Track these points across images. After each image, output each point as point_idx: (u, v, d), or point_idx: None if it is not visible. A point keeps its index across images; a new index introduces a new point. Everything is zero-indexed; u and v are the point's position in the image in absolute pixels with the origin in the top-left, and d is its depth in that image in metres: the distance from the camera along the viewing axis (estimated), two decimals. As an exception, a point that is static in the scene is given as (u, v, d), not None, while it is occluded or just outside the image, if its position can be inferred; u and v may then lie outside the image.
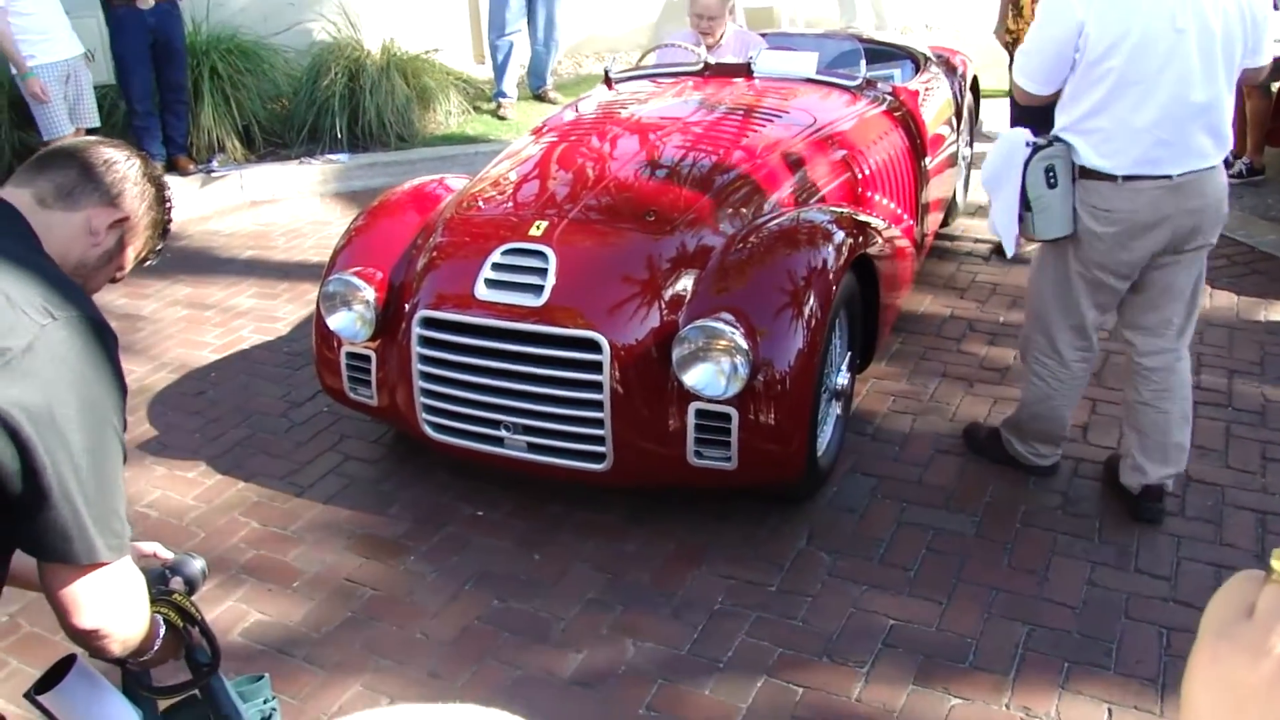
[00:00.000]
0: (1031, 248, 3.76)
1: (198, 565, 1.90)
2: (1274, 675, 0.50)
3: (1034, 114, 3.63)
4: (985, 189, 3.43)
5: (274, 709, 1.95)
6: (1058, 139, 3.20)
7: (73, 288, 1.56)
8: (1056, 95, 3.23)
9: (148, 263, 1.86)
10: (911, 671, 2.85)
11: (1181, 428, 3.41)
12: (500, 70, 8.17)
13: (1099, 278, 3.26)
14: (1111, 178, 3.12)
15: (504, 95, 8.19)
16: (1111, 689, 2.78)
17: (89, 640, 1.53)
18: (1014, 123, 5.35)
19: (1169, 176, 3.09)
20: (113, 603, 1.53)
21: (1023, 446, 3.66)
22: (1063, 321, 3.39)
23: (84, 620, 1.51)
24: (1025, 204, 3.24)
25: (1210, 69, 3.03)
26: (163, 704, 1.84)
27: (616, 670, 2.88)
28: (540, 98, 8.42)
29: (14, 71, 5.96)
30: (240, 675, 1.99)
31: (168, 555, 1.93)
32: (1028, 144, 3.21)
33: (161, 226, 1.82)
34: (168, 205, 1.82)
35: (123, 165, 1.73)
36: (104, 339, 1.53)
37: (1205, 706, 0.53)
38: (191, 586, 1.86)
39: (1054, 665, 2.86)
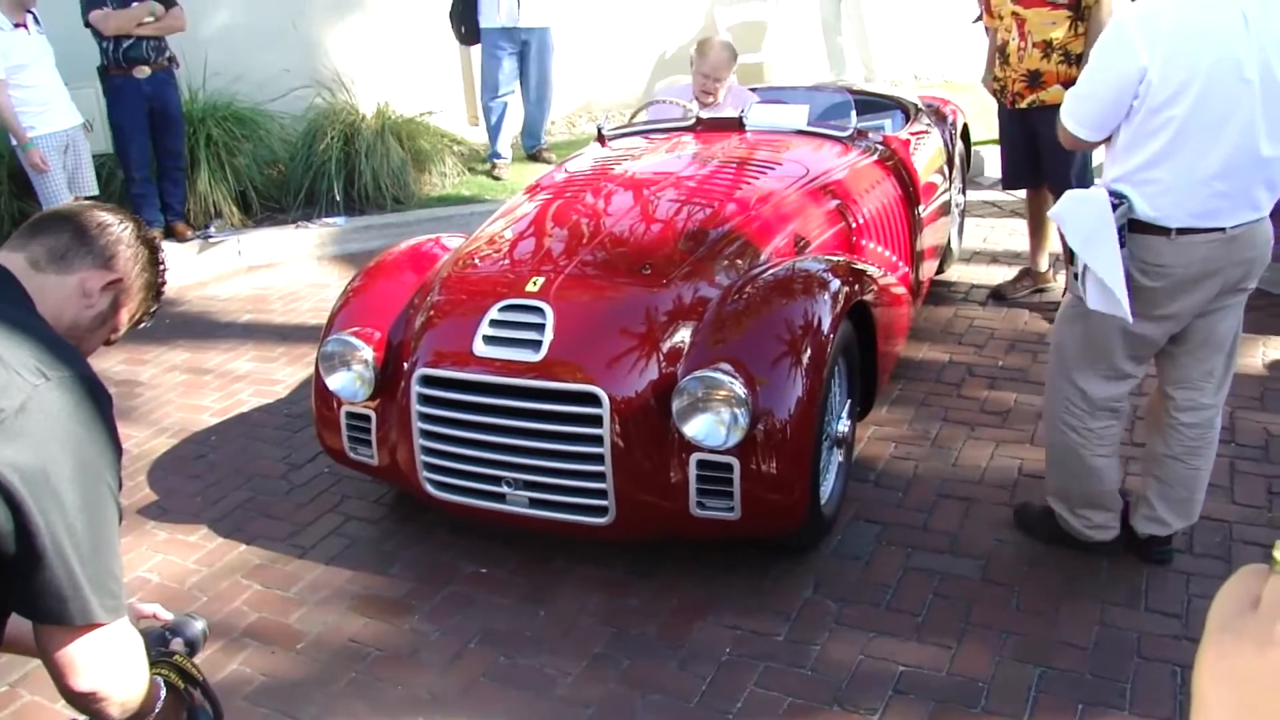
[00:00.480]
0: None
1: (199, 626, 1.89)
2: None
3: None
4: (1080, 255, 3.02)
5: None
6: (1112, 192, 2.98)
7: (67, 348, 1.56)
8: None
9: (142, 325, 1.87)
10: (924, 717, 2.82)
11: (1205, 483, 3.31)
12: (494, 131, 8.25)
13: (1141, 332, 3.09)
14: (1165, 231, 2.95)
15: (499, 156, 8.26)
16: (1126, 731, 2.75)
17: (87, 703, 1.52)
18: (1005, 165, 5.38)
19: (1223, 230, 2.94)
20: (110, 664, 1.51)
21: (1075, 520, 3.40)
22: (1094, 373, 3.21)
23: (81, 683, 1.49)
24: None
25: (1276, 122, 2.86)
26: None
27: (625, 725, 2.85)
28: (535, 158, 8.47)
29: (14, 142, 6.01)
30: None
31: (167, 616, 1.91)
32: (1112, 202, 2.94)
33: (155, 288, 1.83)
34: (161, 267, 1.83)
35: (116, 228, 1.75)
36: (98, 398, 1.53)
37: (1215, 700, 0.53)
38: (193, 648, 1.85)
39: (1068, 707, 2.83)
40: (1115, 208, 2.92)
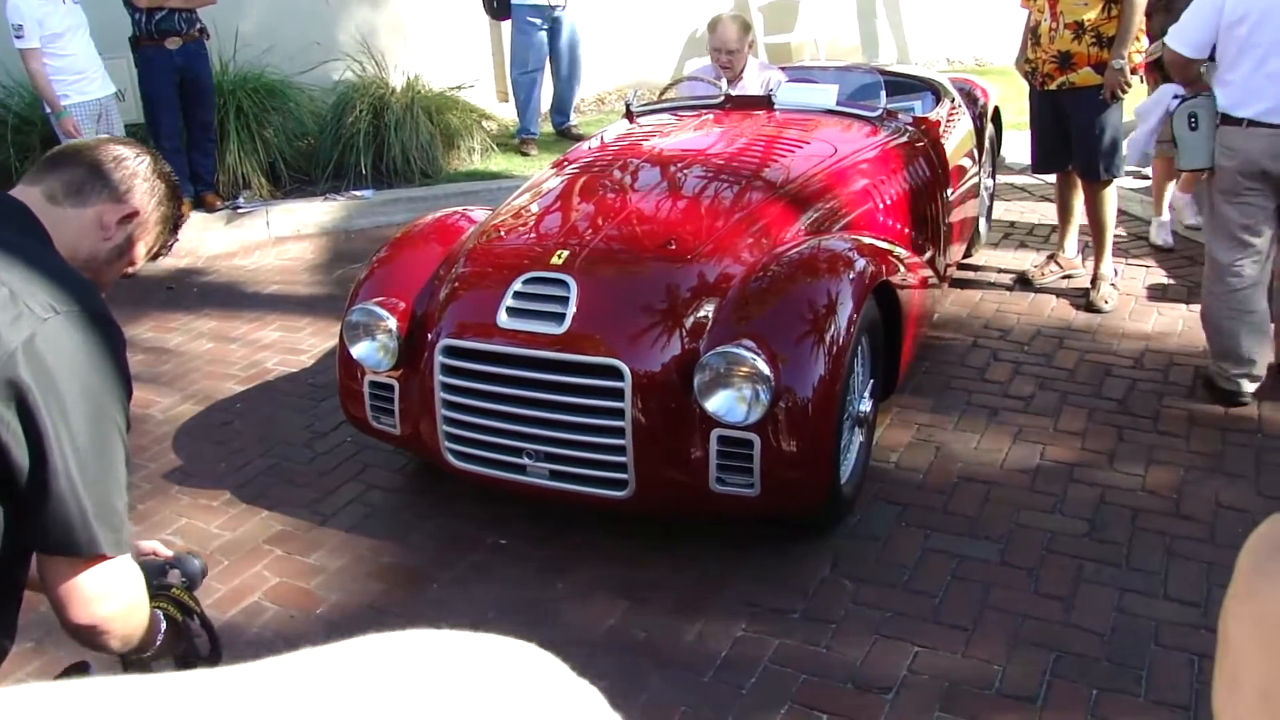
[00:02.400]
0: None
1: (197, 563, 1.89)
2: None
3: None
4: (1136, 117, 5.01)
5: None
6: (1207, 93, 4.11)
7: (80, 283, 1.56)
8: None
9: (160, 257, 1.86)
10: (937, 698, 2.82)
11: None
12: (524, 107, 8.24)
13: (1239, 204, 4.09)
14: (1238, 121, 4.02)
15: (528, 132, 8.27)
16: (1142, 716, 2.74)
17: (89, 636, 1.53)
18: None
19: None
20: (112, 597, 1.53)
21: (1214, 366, 4.31)
22: (1221, 244, 4.20)
23: (83, 615, 1.50)
24: (1172, 140, 4.27)
25: None
26: None
27: (639, 697, 2.87)
28: (564, 134, 8.47)
29: (47, 110, 6.06)
30: None
31: (167, 553, 1.91)
32: (1175, 96, 4.37)
33: (172, 222, 1.81)
34: (179, 201, 1.82)
35: (132, 162, 1.74)
36: (109, 335, 1.53)
37: (1243, 640, 0.53)
38: (191, 582, 1.85)
39: (1082, 693, 2.83)
40: (1184, 100, 4.19)
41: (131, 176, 1.73)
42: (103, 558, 1.50)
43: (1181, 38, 4.13)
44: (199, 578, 1.89)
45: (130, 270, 1.78)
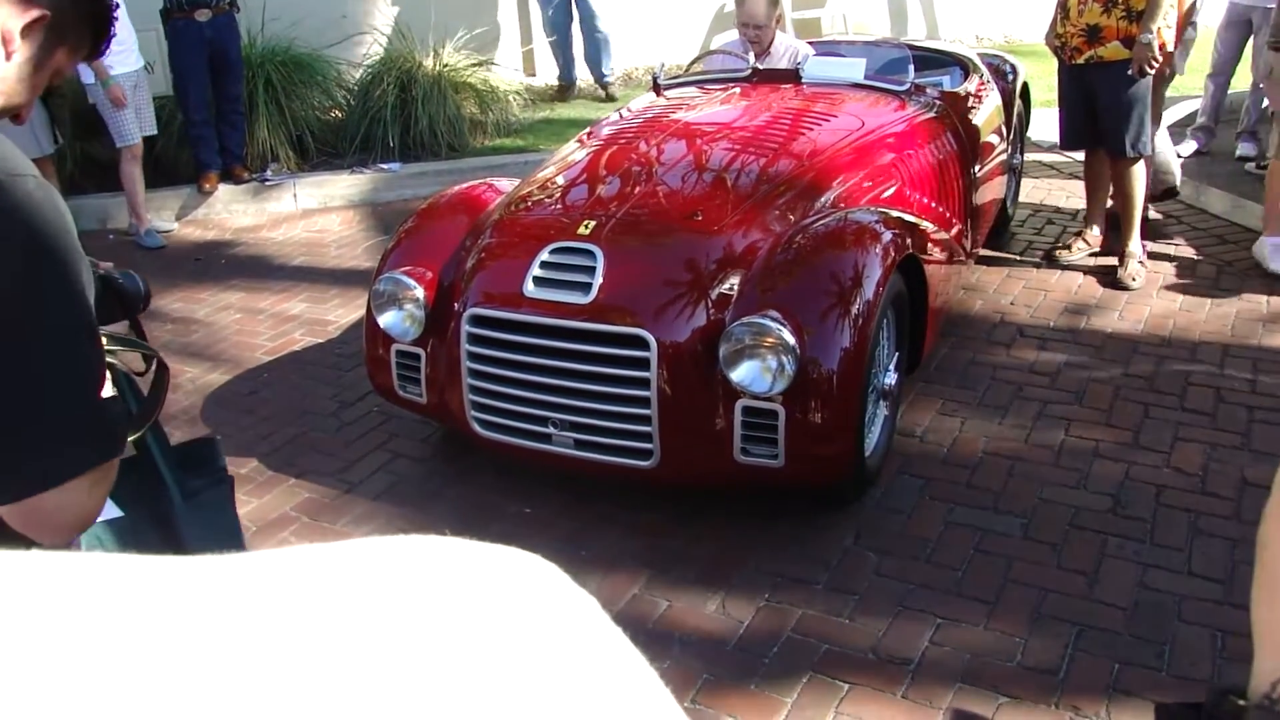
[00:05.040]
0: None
1: (139, 282, 1.69)
2: None
3: None
4: None
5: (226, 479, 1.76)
6: None
7: None
8: None
9: (96, 58, 1.60)
10: (959, 670, 2.83)
11: None
12: (561, 57, 8.94)
13: None
14: None
15: (567, 78, 8.94)
16: (1164, 691, 2.74)
17: None
18: None
19: None
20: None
21: None
22: None
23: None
24: None
25: None
26: None
27: (662, 665, 2.89)
28: (605, 90, 8.88)
29: (88, 81, 6.09)
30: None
31: (106, 264, 1.73)
32: None
33: (97, 17, 1.51)
34: None
35: None
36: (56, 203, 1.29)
37: None
38: (129, 305, 1.68)
39: (1104, 666, 2.83)
40: None
41: None
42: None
43: None
44: (139, 302, 1.71)
45: (57, 80, 1.49)
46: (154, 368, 1.66)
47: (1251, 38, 6.52)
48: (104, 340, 1.38)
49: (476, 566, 0.40)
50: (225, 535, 1.78)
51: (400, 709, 0.32)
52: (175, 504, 1.71)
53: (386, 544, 0.40)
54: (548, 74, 9.26)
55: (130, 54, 6.18)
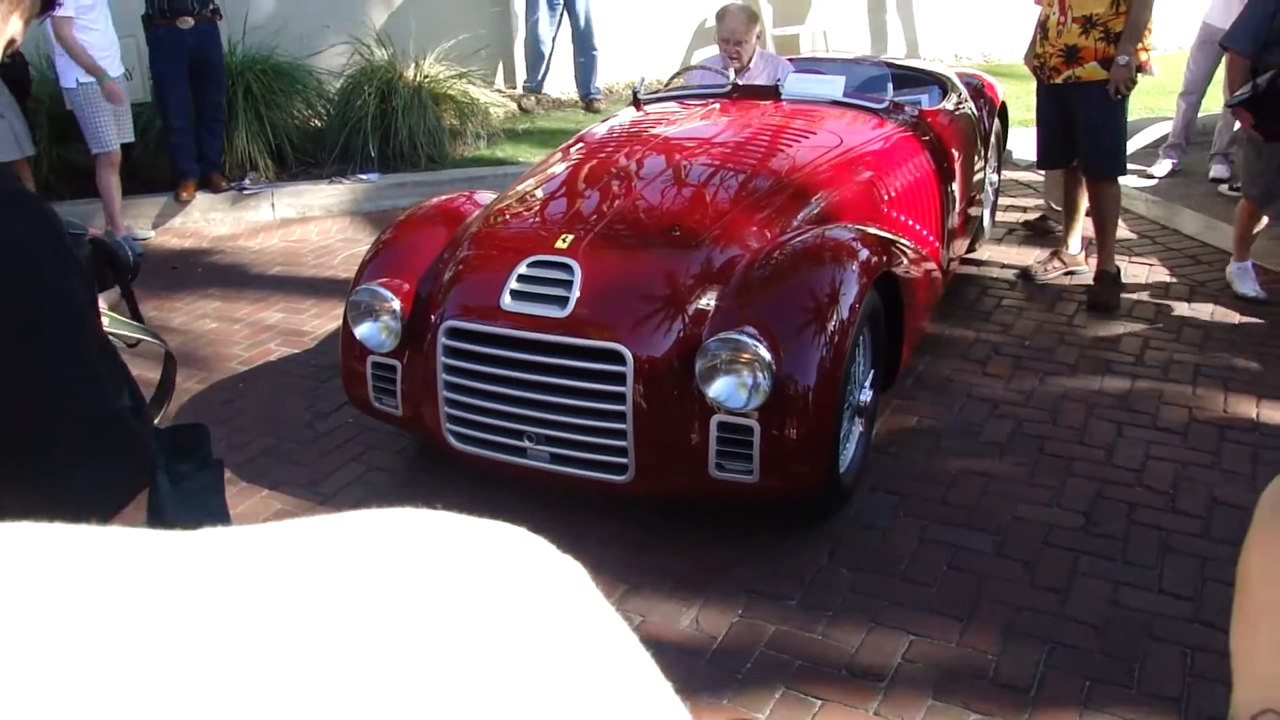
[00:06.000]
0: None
1: (129, 251, 1.66)
2: None
3: None
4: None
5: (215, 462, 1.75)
6: None
7: None
8: None
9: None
10: (930, 687, 2.84)
11: None
12: (533, 66, 8.92)
13: None
14: None
15: (534, 85, 8.93)
16: (1134, 708, 2.76)
17: None
18: None
19: None
20: None
21: None
22: None
23: None
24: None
25: None
26: None
27: (635, 679, 2.88)
28: (589, 107, 8.88)
29: (68, 85, 6.06)
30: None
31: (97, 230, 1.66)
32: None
33: None
34: None
35: None
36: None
37: (1260, 584, 0.55)
38: (120, 271, 1.65)
39: (1075, 684, 2.84)
40: None
41: None
42: None
43: None
44: (129, 266, 1.67)
45: (11, 49, 1.38)
46: (163, 357, 1.68)
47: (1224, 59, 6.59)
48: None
49: (465, 539, 0.40)
50: (214, 521, 1.72)
51: (392, 677, 0.33)
52: (162, 489, 1.69)
53: (379, 517, 0.40)
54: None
55: (113, 60, 6.15)
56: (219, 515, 1.79)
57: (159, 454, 1.60)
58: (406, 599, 0.36)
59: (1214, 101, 6.96)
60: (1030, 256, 5.81)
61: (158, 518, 1.62)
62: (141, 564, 0.35)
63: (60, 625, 0.32)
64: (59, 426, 1.24)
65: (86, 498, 1.26)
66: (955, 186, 4.89)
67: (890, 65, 5.82)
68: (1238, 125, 6.57)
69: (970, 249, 5.65)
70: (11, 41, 1.37)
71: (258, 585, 0.35)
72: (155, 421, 1.65)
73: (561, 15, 8.74)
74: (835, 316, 3.26)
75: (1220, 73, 6.67)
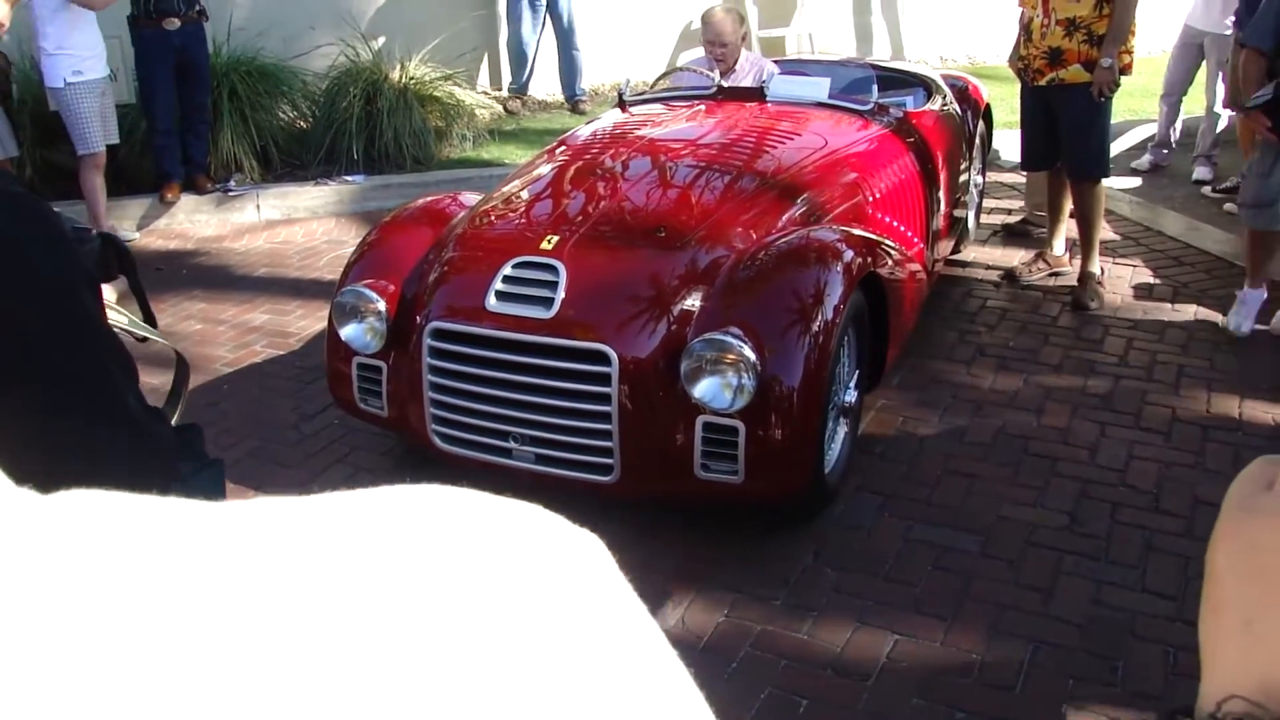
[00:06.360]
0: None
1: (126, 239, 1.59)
2: None
3: None
4: None
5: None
6: None
7: None
8: None
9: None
10: (915, 686, 2.85)
11: None
12: (517, 68, 8.90)
13: None
14: None
15: (519, 87, 8.89)
16: (1118, 706, 2.77)
17: None
18: None
19: None
20: None
21: None
22: None
23: None
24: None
25: None
26: None
27: (620, 680, 2.88)
28: (575, 109, 8.85)
29: (53, 85, 6.03)
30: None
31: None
32: None
33: None
34: None
35: None
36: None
37: (1227, 572, 0.56)
38: (127, 264, 1.62)
39: (1059, 682, 2.86)
40: None
41: None
42: None
43: None
44: (135, 265, 1.64)
45: (3, 36, 1.34)
46: (175, 361, 1.68)
47: (1204, 62, 6.64)
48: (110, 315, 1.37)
49: (489, 517, 0.42)
50: None
51: (411, 654, 0.34)
52: (170, 490, 1.67)
53: (406, 494, 0.42)
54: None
55: (100, 60, 6.13)
56: None
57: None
58: (428, 574, 0.37)
59: (1194, 103, 7.00)
60: (1015, 258, 5.83)
61: None
62: (181, 537, 0.36)
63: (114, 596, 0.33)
64: (75, 436, 1.23)
65: None
66: (940, 188, 4.90)
67: (875, 67, 5.84)
68: (1221, 127, 6.63)
69: (955, 250, 5.66)
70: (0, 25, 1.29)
71: (286, 557, 0.36)
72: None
73: (544, 17, 8.71)
74: (820, 317, 3.27)
75: (1201, 75, 6.73)
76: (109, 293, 1.48)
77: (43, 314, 1.22)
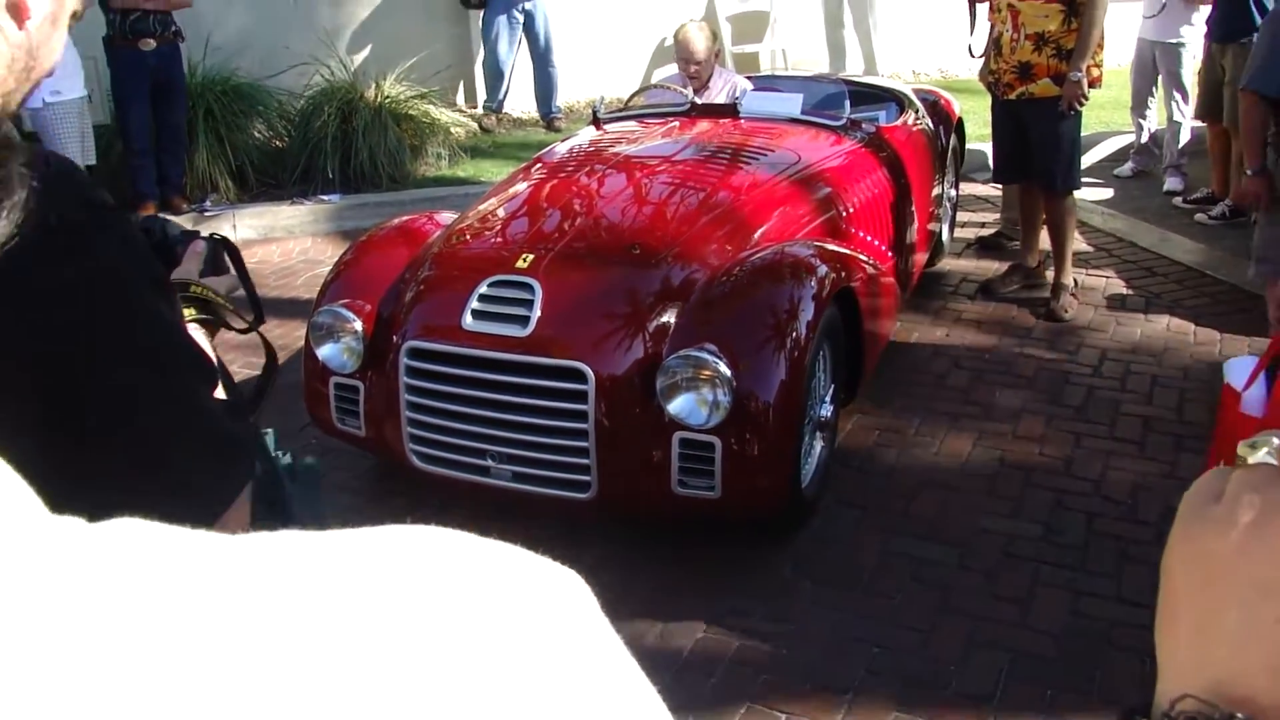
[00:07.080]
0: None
1: (202, 245, 1.57)
2: (1240, 543, 0.55)
3: None
4: None
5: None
6: None
7: None
8: None
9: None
10: (894, 698, 2.86)
11: None
12: (492, 86, 8.92)
13: None
14: None
15: (494, 105, 8.91)
16: (1095, 715, 2.79)
17: None
18: None
19: None
20: None
21: None
22: None
23: None
24: None
25: None
26: None
27: (600, 697, 2.88)
28: (550, 126, 8.87)
29: (32, 105, 6.02)
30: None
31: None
32: None
33: None
34: None
35: None
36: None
37: (1180, 578, 0.58)
38: (235, 257, 1.61)
39: (1037, 692, 2.87)
40: None
41: None
42: None
43: None
44: (208, 258, 1.58)
45: (77, 21, 1.20)
46: (264, 356, 1.65)
47: (1159, 75, 6.74)
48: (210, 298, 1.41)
49: (474, 559, 0.43)
50: (320, 519, 1.75)
51: (397, 687, 0.36)
52: (285, 486, 1.68)
53: (397, 535, 0.43)
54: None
55: (77, 80, 6.12)
56: (321, 511, 1.79)
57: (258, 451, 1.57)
58: (414, 613, 0.39)
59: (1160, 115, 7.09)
60: (989, 270, 5.87)
61: (282, 517, 1.62)
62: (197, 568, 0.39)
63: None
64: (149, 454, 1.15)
65: (191, 510, 1.15)
66: (913, 202, 4.94)
67: (848, 82, 5.88)
68: (1185, 139, 6.72)
69: (930, 263, 5.70)
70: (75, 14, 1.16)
71: (287, 590, 0.38)
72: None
73: (520, 35, 8.73)
74: (794, 332, 3.29)
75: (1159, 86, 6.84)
76: (220, 286, 1.53)
77: (136, 344, 1.12)
